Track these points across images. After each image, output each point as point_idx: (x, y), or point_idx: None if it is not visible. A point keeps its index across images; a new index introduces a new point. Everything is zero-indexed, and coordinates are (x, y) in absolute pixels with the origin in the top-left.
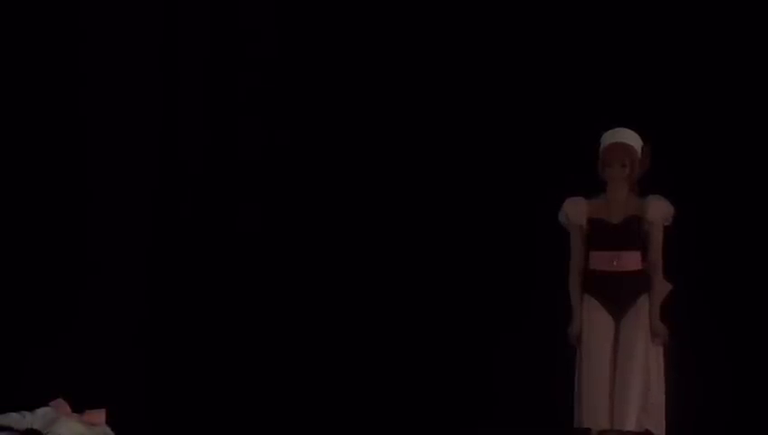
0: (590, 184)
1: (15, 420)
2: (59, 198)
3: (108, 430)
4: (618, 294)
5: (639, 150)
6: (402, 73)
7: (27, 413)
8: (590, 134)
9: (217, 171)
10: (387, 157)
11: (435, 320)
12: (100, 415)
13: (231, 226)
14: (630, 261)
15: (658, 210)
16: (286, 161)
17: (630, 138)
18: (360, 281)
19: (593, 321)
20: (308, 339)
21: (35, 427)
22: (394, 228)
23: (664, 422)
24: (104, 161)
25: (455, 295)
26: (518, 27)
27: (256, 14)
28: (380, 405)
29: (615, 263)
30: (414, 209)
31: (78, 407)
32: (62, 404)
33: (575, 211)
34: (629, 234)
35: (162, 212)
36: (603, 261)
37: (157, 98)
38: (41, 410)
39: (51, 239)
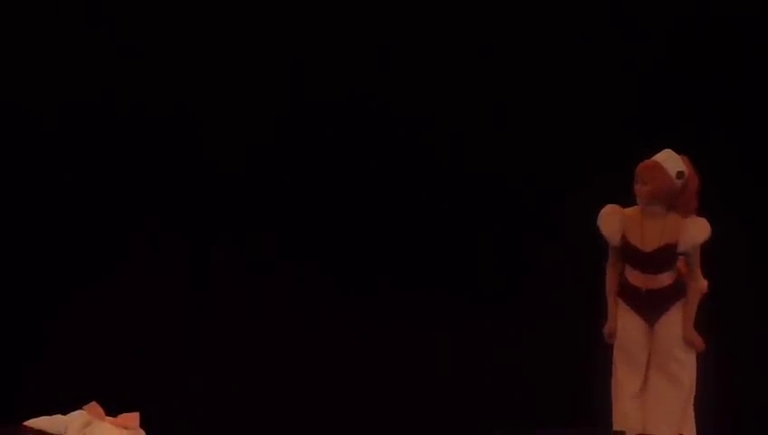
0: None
1: (49, 423)
2: (67, 200)
3: (142, 433)
4: (651, 305)
5: (674, 174)
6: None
7: (60, 417)
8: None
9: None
10: (390, 156)
11: (473, 319)
12: (134, 418)
13: (235, 227)
14: (663, 280)
15: (692, 240)
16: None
17: (666, 159)
18: (379, 281)
19: (627, 325)
20: (312, 338)
21: (69, 430)
22: (415, 222)
23: (695, 427)
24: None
25: (490, 296)
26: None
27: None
28: (406, 407)
29: (646, 283)
30: (435, 205)
31: (111, 410)
32: (95, 408)
33: (609, 230)
34: (662, 263)
35: (166, 212)
36: (636, 278)
37: None
38: (74, 414)
39: (62, 240)
